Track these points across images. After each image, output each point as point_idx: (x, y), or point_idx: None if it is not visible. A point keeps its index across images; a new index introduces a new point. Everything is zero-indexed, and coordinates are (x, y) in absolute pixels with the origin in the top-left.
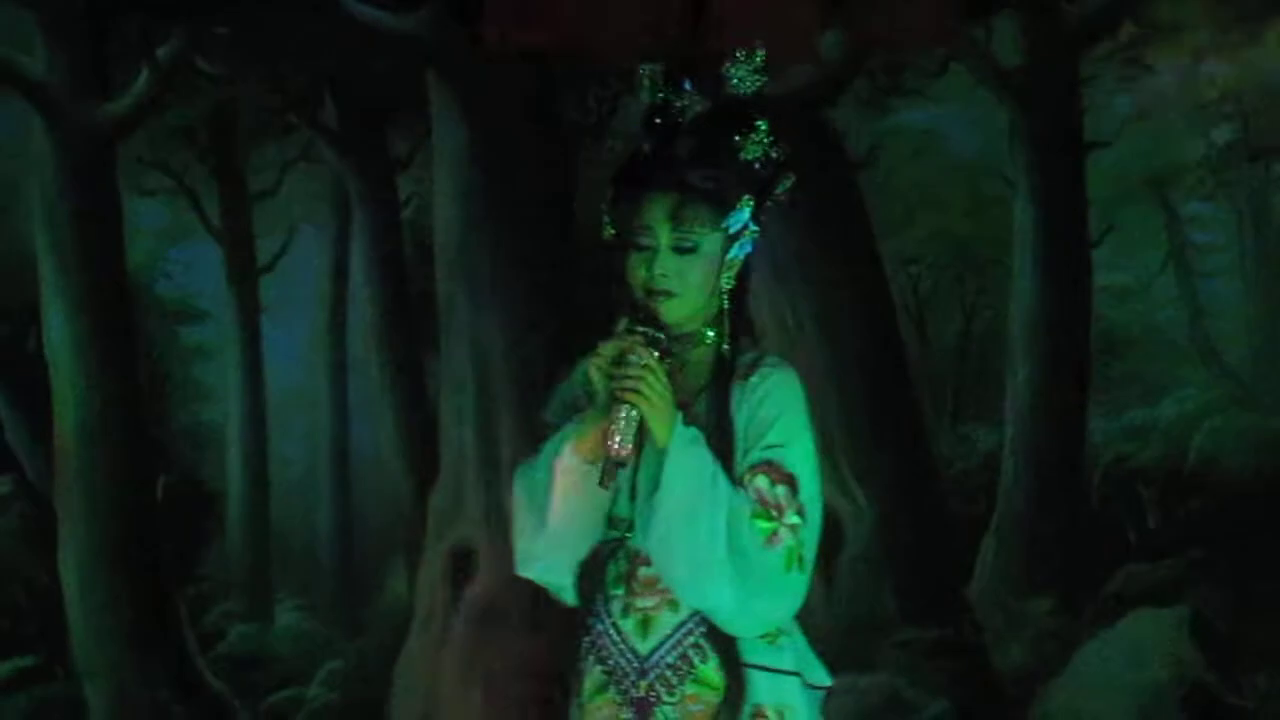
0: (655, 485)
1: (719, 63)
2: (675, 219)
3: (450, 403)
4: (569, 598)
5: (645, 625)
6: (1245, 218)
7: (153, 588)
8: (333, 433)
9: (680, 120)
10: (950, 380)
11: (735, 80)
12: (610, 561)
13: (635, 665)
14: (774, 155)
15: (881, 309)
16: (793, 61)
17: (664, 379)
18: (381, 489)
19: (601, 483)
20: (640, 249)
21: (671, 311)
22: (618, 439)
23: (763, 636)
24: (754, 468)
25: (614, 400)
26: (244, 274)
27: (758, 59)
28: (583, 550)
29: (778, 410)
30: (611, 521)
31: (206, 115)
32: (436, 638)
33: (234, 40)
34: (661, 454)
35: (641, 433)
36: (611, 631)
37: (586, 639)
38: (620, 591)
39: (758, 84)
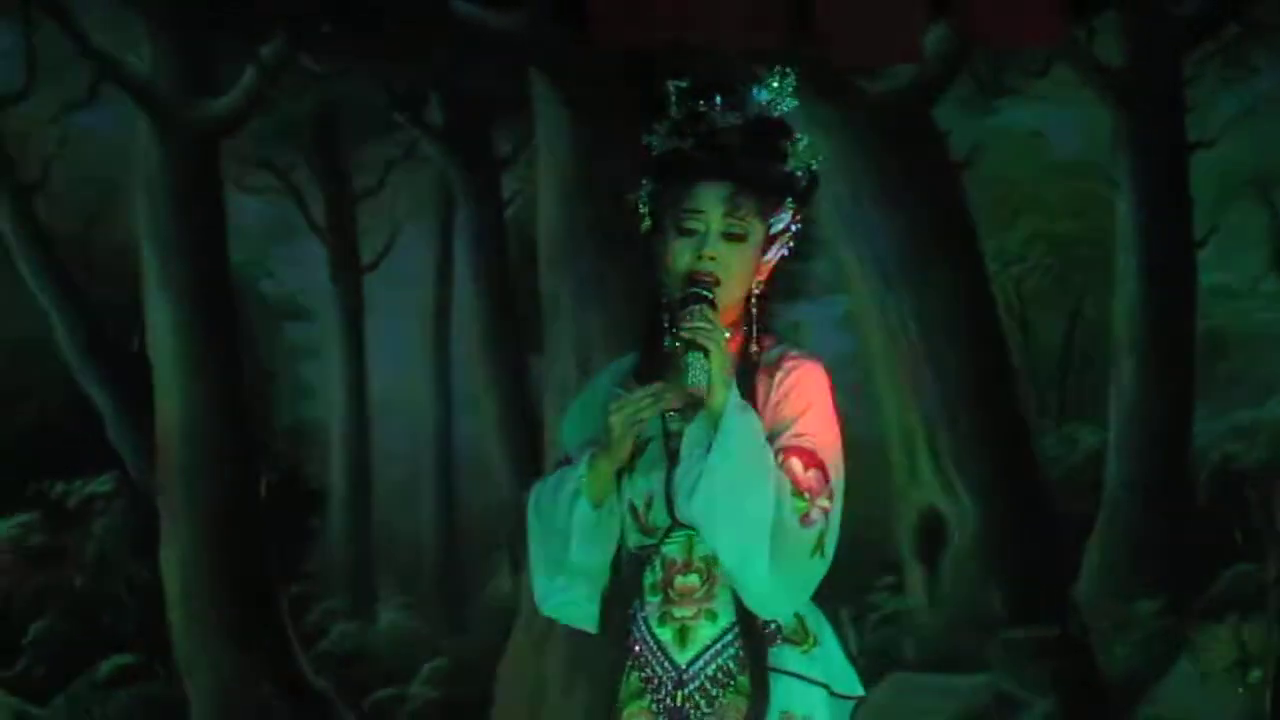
0: (703, 448)
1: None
2: (728, 205)
3: (554, 401)
4: (592, 627)
5: (683, 635)
6: None
7: (255, 586)
8: (436, 431)
9: (717, 127)
10: (1054, 380)
11: (766, 99)
12: (646, 569)
13: (673, 675)
14: (814, 169)
15: (985, 308)
16: (896, 60)
17: (725, 336)
18: (485, 487)
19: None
20: (688, 234)
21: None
22: (691, 379)
23: (799, 645)
24: (785, 451)
25: (684, 346)
26: (347, 272)
27: (789, 81)
28: (603, 580)
29: (805, 402)
30: (645, 530)
31: (311, 113)
32: (540, 636)
33: (338, 38)
34: (712, 417)
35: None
36: (649, 640)
37: (628, 644)
38: (656, 600)
39: (788, 105)
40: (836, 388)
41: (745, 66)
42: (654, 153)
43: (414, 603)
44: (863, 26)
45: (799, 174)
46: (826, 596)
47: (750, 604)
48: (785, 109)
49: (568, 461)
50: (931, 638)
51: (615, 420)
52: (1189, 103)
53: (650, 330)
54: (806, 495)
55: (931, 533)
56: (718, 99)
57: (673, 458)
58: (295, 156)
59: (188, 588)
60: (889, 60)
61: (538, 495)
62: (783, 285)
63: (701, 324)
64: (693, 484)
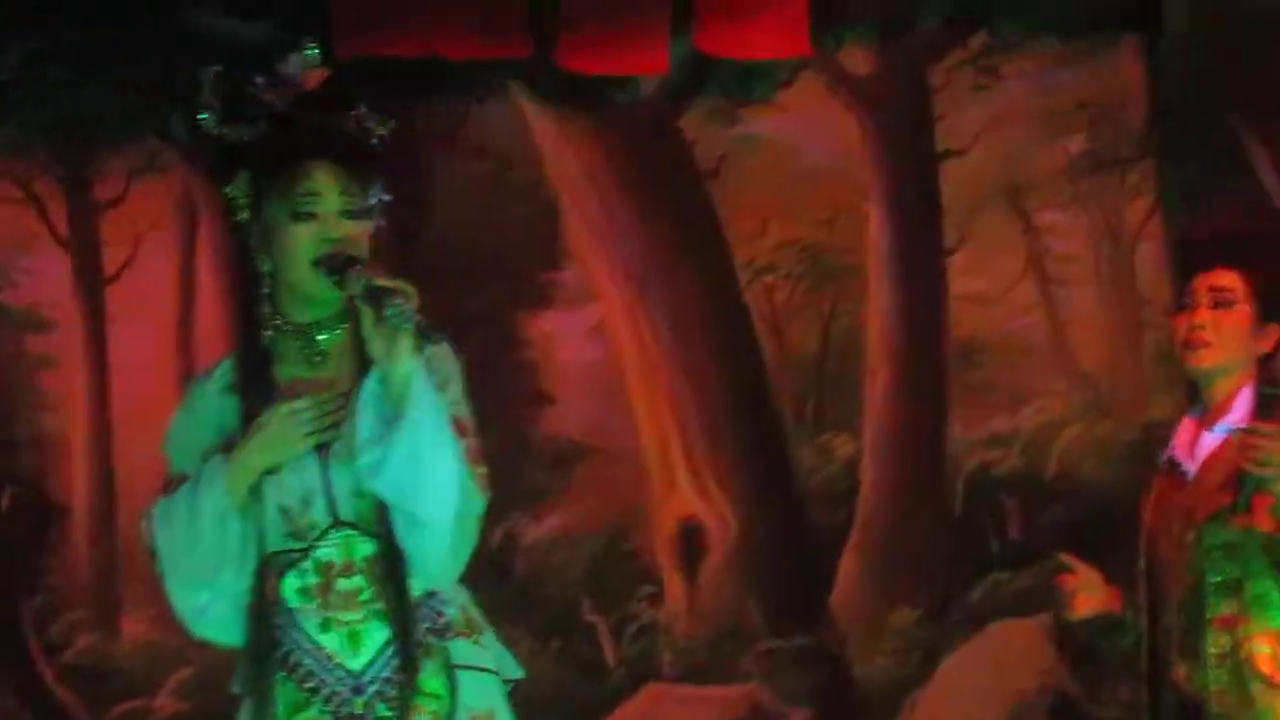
0: (379, 416)
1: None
2: (343, 182)
3: None
4: (241, 641)
5: (355, 640)
6: (1100, 226)
7: None
8: None
9: (278, 108)
10: (809, 389)
11: (299, 70)
12: (290, 575)
13: (348, 683)
14: (385, 133)
15: (738, 318)
16: (643, 70)
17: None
18: None
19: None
20: (306, 218)
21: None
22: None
23: (469, 636)
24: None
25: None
26: (90, 283)
27: (314, 51)
28: (247, 594)
29: (448, 374)
30: (296, 533)
31: (54, 123)
32: None
33: (82, 48)
34: (395, 383)
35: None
36: (310, 649)
37: (274, 655)
38: (312, 605)
39: (320, 73)
40: (590, 395)
41: (493, 78)
42: (229, 141)
43: (160, 614)
44: (609, 36)
45: (377, 142)
46: (584, 606)
47: (429, 573)
48: (315, 81)
49: (183, 479)
50: (689, 648)
51: (291, 430)
52: (938, 111)
53: (248, 325)
54: (471, 462)
55: (690, 542)
56: (259, 80)
57: (321, 452)
58: (38, 166)
59: None
60: (636, 70)
61: (166, 514)
62: (533, 294)
63: (401, 303)
64: (382, 455)
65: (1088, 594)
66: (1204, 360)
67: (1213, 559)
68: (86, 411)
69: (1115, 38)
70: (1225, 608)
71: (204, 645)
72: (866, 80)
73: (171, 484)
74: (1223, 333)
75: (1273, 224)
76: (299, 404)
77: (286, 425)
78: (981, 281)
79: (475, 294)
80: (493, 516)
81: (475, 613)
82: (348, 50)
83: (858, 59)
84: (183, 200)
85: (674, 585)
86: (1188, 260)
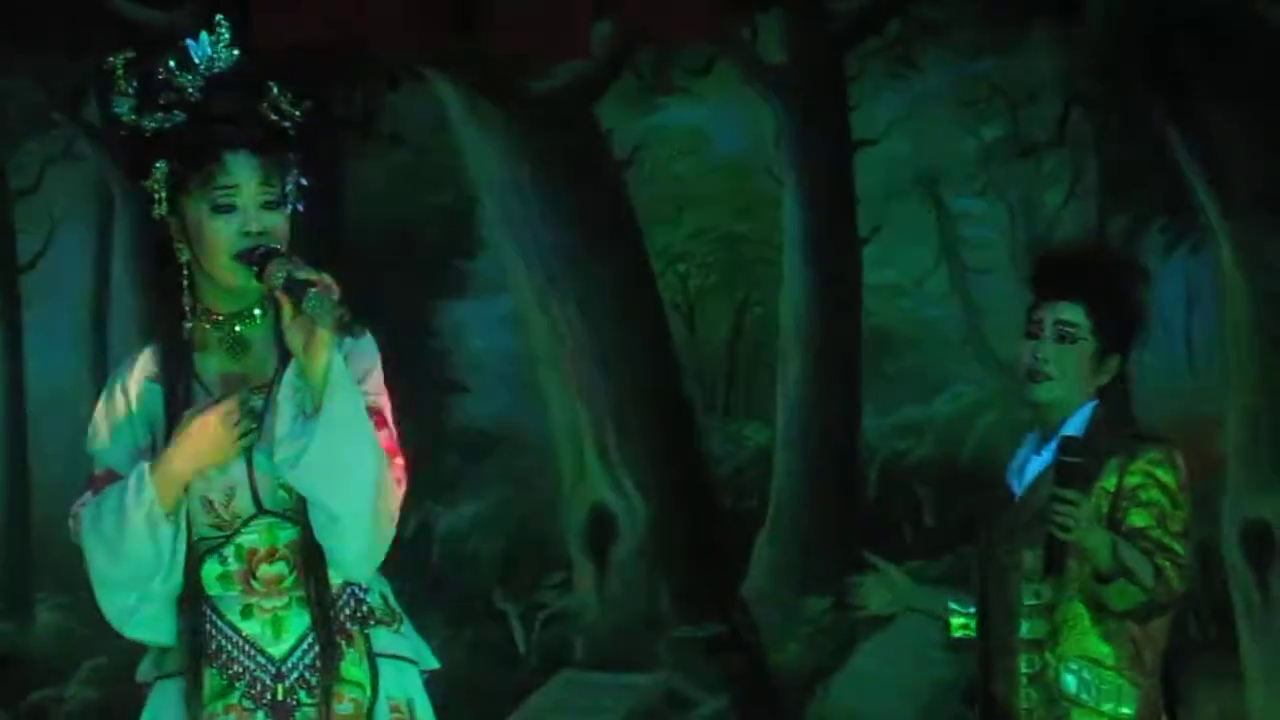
0: (297, 409)
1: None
2: (261, 173)
3: None
4: (171, 640)
5: (276, 627)
6: (1016, 213)
7: None
8: None
9: (196, 94)
10: (721, 377)
11: (207, 55)
12: (210, 560)
13: (270, 670)
14: (299, 115)
15: (651, 306)
16: (565, 57)
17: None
18: None
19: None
20: (225, 210)
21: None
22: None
23: (389, 625)
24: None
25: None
26: (4, 271)
27: (223, 32)
28: (176, 591)
29: (368, 365)
30: (219, 524)
31: None
32: None
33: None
34: (315, 377)
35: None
36: (231, 635)
37: (192, 641)
38: (234, 592)
39: (230, 56)
40: (502, 384)
41: (410, 66)
42: (145, 131)
43: (73, 602)
44: (529, 23)
45: (292, 125)
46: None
47: (345, 567)
48: (226, 63)
49: (111, 476)
50: (601, 636)
51: (222, 435)
52: (853, 100)
53: (168, 316)
54: (389, 455)
55: (600, 530)
56: (171, 64)
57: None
58: None
59: None
60: (558, 57)
61: (95, 519)
62: (447, 282)
63: (320, 294)
64: (300, 449)
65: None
66: (1045, 394)
67: (1027, 581)
68: (1, 399)
69: (1031, 25)
70: (1036, 630)
71: (117, 635)
72: (782, 68)
73: (98, 481)
74: (1065, 367)
75: (1115, 258)
76: (227, 407)
77: (217, 431)
78: (894, 271)
79: (389, 282)
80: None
81: (394, 602)
82: (267, 37)
83: (773, 47)
84: (98, 188)
85: (584, 573)
86: (1032, 284)
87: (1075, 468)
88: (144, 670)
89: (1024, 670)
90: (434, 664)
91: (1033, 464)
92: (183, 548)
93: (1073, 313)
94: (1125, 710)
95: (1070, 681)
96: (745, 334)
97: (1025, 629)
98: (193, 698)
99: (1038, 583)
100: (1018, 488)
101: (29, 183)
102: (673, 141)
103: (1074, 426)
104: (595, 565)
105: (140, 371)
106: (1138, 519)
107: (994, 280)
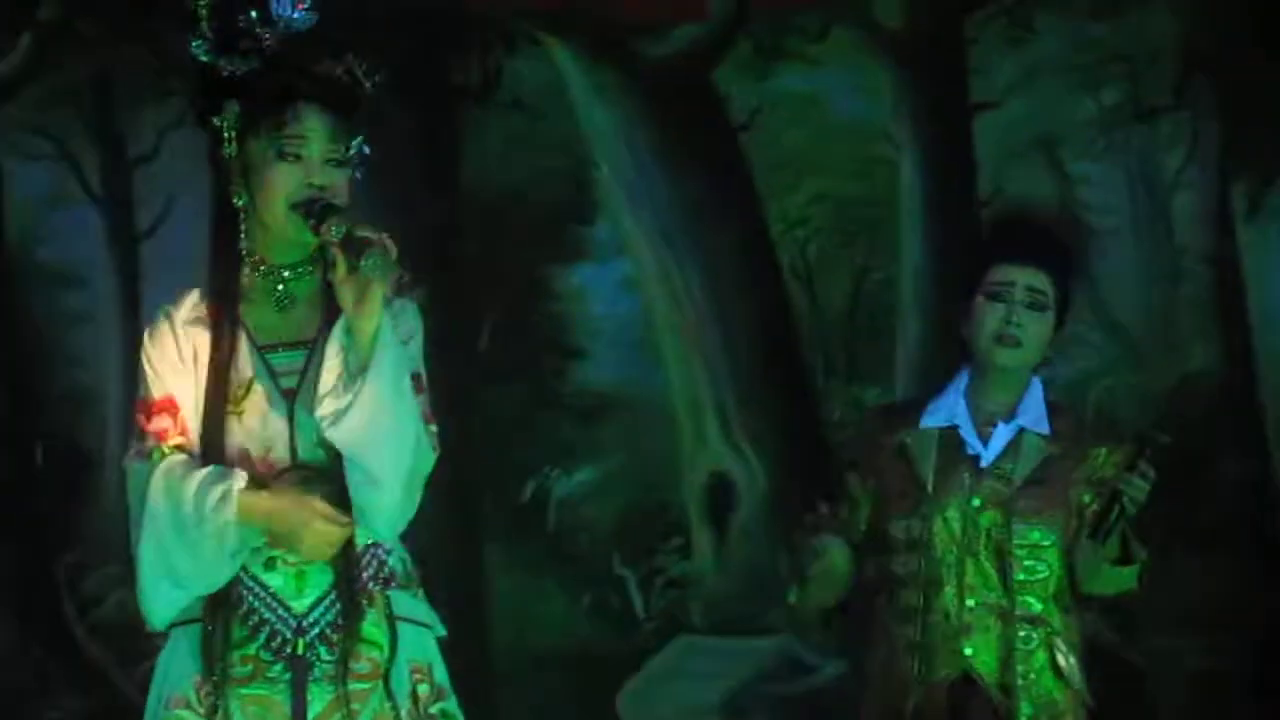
0: (350, 371)
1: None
2: (332, 130)
3: None
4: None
5: (299, 581)
6: (1135, 177)
7: (31, 553)
8: None
9: (274, 45)
10: (841, 342)
11: (287, 15)
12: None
13: (291, 624)
14: (372, 85)
15: (769, 272)
16: (682, 18)
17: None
18: None
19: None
20: (290, 159)
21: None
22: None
23: (408, 589)
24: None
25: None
26: (124, 239)
27: None
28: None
29: (411, 329)
30: (255, 477)
31: (86, 79)
32: None
33: (114, 3)
34: (363, 336)
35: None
36: (255, 587)
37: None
38: (259, 544)
39: (309, 19)
40: (620, 349)
41: (527, 30)
42: (222, 73)
43: None
44: None
45: (364, 92)
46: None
47: (376, 526)
48: (303, 24)
49: (171, 404)
50: (719, 601)
51: (318, 530)
52: (971, 64)
53: (223, 261)
54: (425, 419)
55: (719, 496)
56: (253, 14)
57: (288, 397)
58: (71, 123)
59: None
60: (675, 19)
61: (177, 487)
62: (564, 247)
63: (379, 254)
64: (344, 407)
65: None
66: (1014, 360)
67: (1018, 556)
68: (119, 368)
69: None
70: (1035, 605)
71: None
72: (899, 33)
73: (156, 408)
74: (1032, 336)
75: (1071, 231)
76: (339, 520)
77: (312, 535)
78: None
79: (507, 247)
80: (523, 470)
81: (413, 566)
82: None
83: (891, 11)
84: (213, 156)
85: (703, 539)
86: (991, 245)
87: (1163, 449)
88: (157, 620)
89: (1020, 647)
90: (442, 630)
91: (1000, 432)
92: (231, 570)
93: (1042, 281)
94: (1091, 702)
95: (1066, 659)
96: (864, 299)
97: (1029, 603)
98: (212, 646)
99: (1028, 558)
100: (983, 451)
101: (146, 150)
102: (790, 107)
103: (1035, 402)
104: (714, 531)
105: (189, 312)
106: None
107: (1113, 243)
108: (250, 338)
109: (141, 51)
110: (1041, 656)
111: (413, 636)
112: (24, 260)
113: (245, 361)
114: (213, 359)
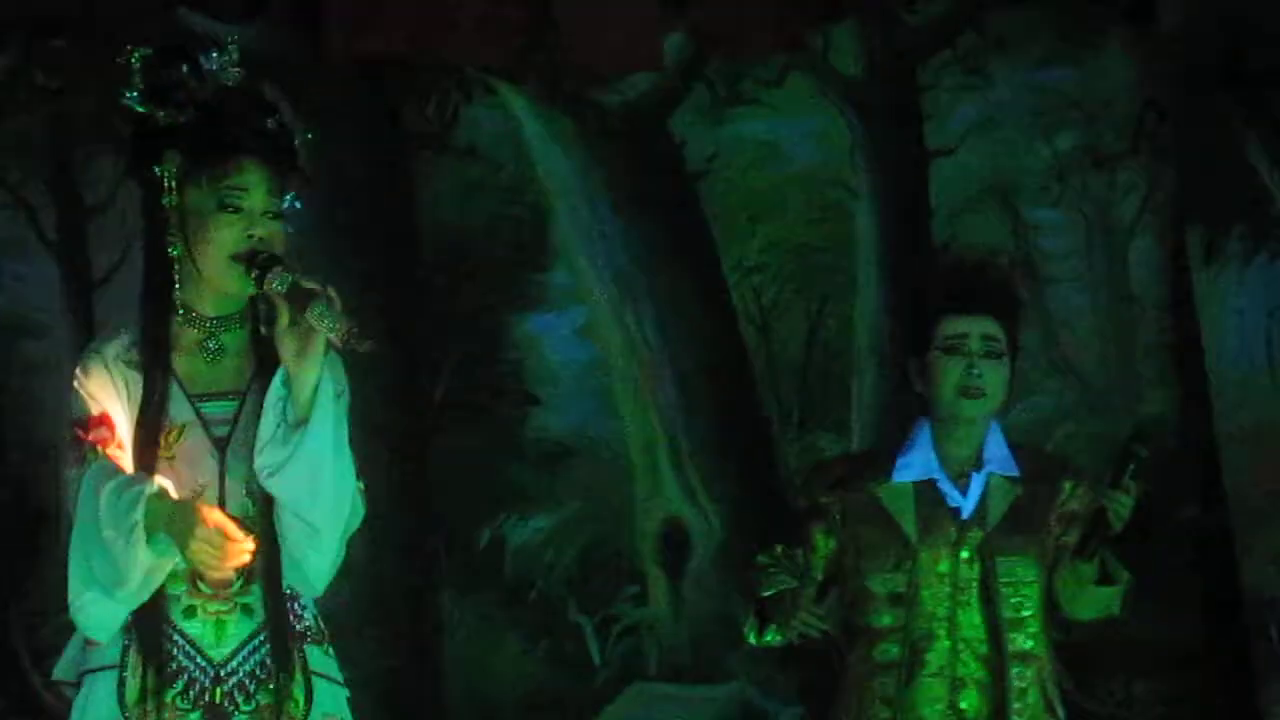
0: (281, 419)
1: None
2: (271, 183)
3: None
4: (104, 637)
5: (219, 630)
6: (1091, 224)
7: None
8: None
9: (207, 97)
10: (796, 388)
11: (214, 70)
12: None
13: (210, 672)
14: (305, 139)
15: (725, 318)
16: (637, 68)
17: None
18: None
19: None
20: (231, 210)
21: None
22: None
23: (320, 644)
24: None
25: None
26: (79, 288)
27: (233, 49)
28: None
29: (342, 387)
30: None
31: (43, 127)
32: None
33: (70, 53)
34: (302, 389)
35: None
36: (172, 634)
37: (126, 640)
38: (179, 591)
39: (236, 76)
40: (577, 396)
41: (483, 78)
42: (161, 121)
43: None
44: (601, 35)
45: (297, 146)
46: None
47: (308, 579)
48: (234, 79)
49: (107, 420)
50: (676, 648)
51: (216, 549)
52: (926, 111)
53: (155, 313)
54: (356, 476)
55: (675, 542)
56: (185, 68)
57: (219, 445)
58: (27, 171)
59: None
60: (630, 68)
61: (100, 486)
62: (521, 294)
63: (325, 306)
64: (284, 458)
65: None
66: (980, 410)
67: (1004, 594)
68: None
69: (1105, 34)
70: (1026, 642)
71: None
72: (855, 79)
73: (93, 424)
74: (993, 384)
75: (1012, 273)
76: (236, 539)
77: (213, 547)
78: None
79: (464, 294)
80: (481, 517)
81: (324, 623)
82: (337, 48)
83: (846, 58)
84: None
85: (659, 586)
86: (938, 300)
87: (1147, 461)
88: (62, 669)
89: (1016, 684)
90: (346, 690)
91: (974, 481)
92: (141, 577)
93: (995, 329)
94: None
95: (1055, 693)
96: (819, 346)
97: (1019, 641)
98: (126, 693)
99: (1013, 595)
100: (962, 502)
101: (102, 199)
102: (746, 153)
103: (998, 445)
104: (669, 577)
105: (119, 352)
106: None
107: (1069, 290)
108: (181, 386)
109: (97, 101)
110: (1034, 694)
111: (327, 691)
112: None
113: (177, 407)
114: (144, 403)
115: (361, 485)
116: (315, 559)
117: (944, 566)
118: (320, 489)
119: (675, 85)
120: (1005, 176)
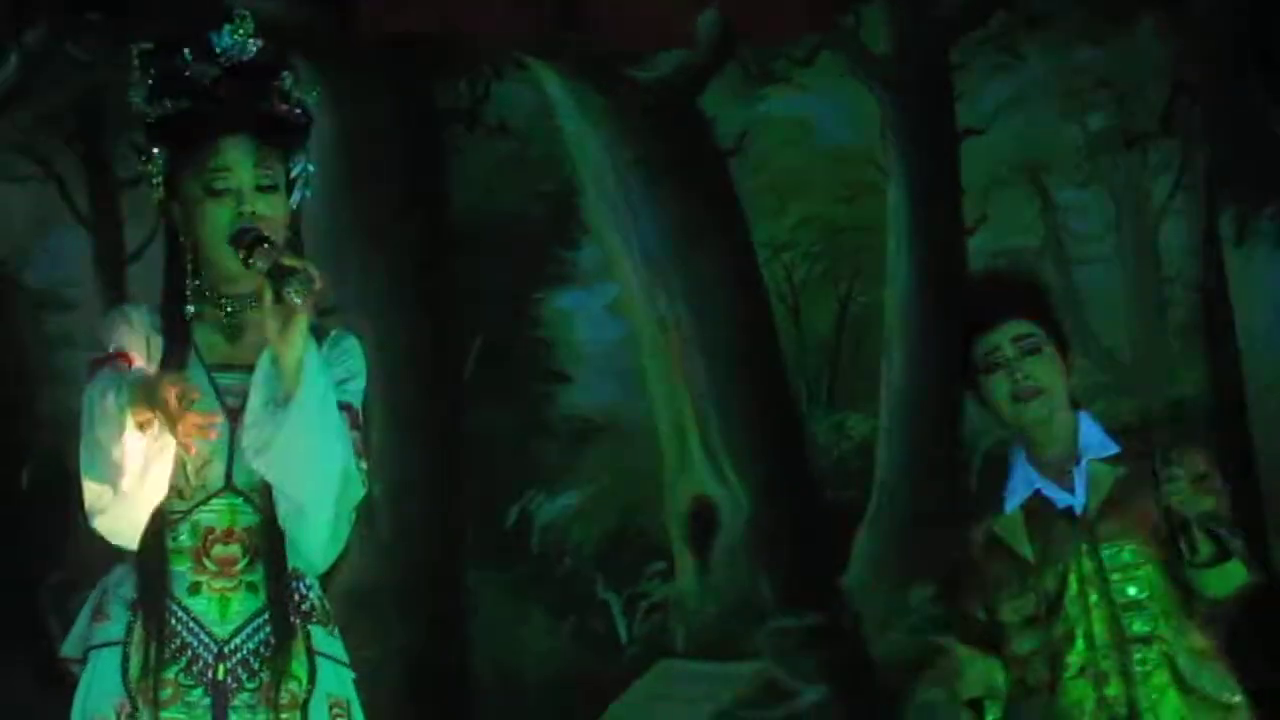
0: (271, 399)
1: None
2: (256, 156)
3: None
4: (131, 543)
5: (223, 607)
6: (1121, 204)
7: (16, 575)
8: None
9: (205, 80)
10: (825, 367)
11: (229, 45)
12: (168, 534)
13: (213, 649)
14: (309, 105)
15: (755, 296)
16: (669, 45)
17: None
18: None
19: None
20: (219, 194)
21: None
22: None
23: (325, 625)
24: (340, 406)
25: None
26: (111, 262)
27: (248, 23)
28: (144, 514)
29: (354, 369)
30: (184, 492)
31: (75, 101)
32: None
33: (103, 26)
34: (288, 367)
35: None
36: (176, 610)
37: (131, 616)
38: (184, 568)
39: (254, 47)
40: (606, 374)
41: (514, 55)
42: (150, 119)
43: None
44: (633, 12)
45: (300, 112)
46: (598, 584)
47: (306, 555)
48: (251, 52)
49: (122, 354)
50: (702, 625)
51: (170, 396)
52: (958, 90)
53: (171, 301)
54: (358, 453)
55: (702, 520)
56: (186, 54)
57: (231, 415)
58: (59, 144)
59: None
60: (662, 45)
61: (90, 399)
62: (551, 272)
63: (301, 284)
64: (268, 437)
65: (973, 674)
66: (1044, 408)
67: (1113, 580)
68: None
69: (1137, 14)
70: (1146, 625)
71: None
72: (886, 58)
73: (110, 358)
74: (1048, 377)
75: (1015, 271)
76: (186, 387)
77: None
78: (1000, 260)
79: (494, 271)
80: (508, 494)
81: (330, 604)
82: (370, 25)
83: (878, 37)
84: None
85: (686, 563)
86: (965, 329)
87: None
88: (70, 645)
89: (1138, 668)
90: (352, 674)
91: (1078, 475)
92: (154, 472)
93: (1023, 326)
94: (1237, 698)
95: (1191, 670)
96: (849, 324)
97: (1135, 625)
98: (129, 668)
99: (1127, 581)
100: (1076, 499)
101: (134, 172)
102: (777, 131)
103: (1092, 432)
104: (697, 555)
105: (144, 316)
106: (1206, 503)
107: (1098, 271)
108: (199, 355)
109: (125, 75)
110: (1161, 676)
111: (331, 672)
112: (10, 283)
113: (194, 374)
114: (162, 364)
115: (365, 465)
116: (306, 536)
117: (1078, 566)
118: (306, 467)
119: (707, 63)
120: (1036, 156)
